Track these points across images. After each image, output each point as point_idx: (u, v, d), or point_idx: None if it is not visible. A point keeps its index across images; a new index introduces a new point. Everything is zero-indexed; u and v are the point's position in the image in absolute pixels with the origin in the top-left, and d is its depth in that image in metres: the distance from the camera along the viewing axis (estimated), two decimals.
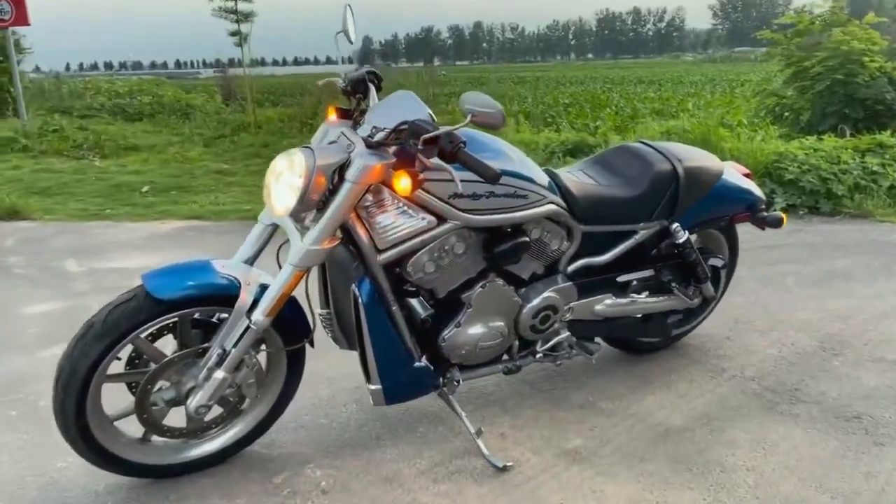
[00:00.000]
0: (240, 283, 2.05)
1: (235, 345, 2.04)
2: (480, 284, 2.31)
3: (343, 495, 2.14)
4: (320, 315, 2.40)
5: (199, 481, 2.19)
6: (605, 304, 2.62)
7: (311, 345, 2.26)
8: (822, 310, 3.49)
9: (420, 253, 2.15)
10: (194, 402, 2.04)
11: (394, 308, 2.20)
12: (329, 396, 2.71)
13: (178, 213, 6.21)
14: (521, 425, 2.52)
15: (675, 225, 2.62)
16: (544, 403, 2.66)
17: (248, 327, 2.03)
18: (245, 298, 2.03)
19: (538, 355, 2.54)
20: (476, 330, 2.34)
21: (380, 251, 2.09)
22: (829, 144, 6.17)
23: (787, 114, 9.00)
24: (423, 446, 2.39)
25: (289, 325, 2.17)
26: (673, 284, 2.71)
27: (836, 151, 5.95)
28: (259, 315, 2.03)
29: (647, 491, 2.15)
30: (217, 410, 2.22)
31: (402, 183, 1.96)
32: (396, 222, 2.08)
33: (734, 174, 2.85)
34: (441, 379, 2.37)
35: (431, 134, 1.90)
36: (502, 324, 2.39)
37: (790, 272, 4.05)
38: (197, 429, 2.20)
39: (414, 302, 2.25)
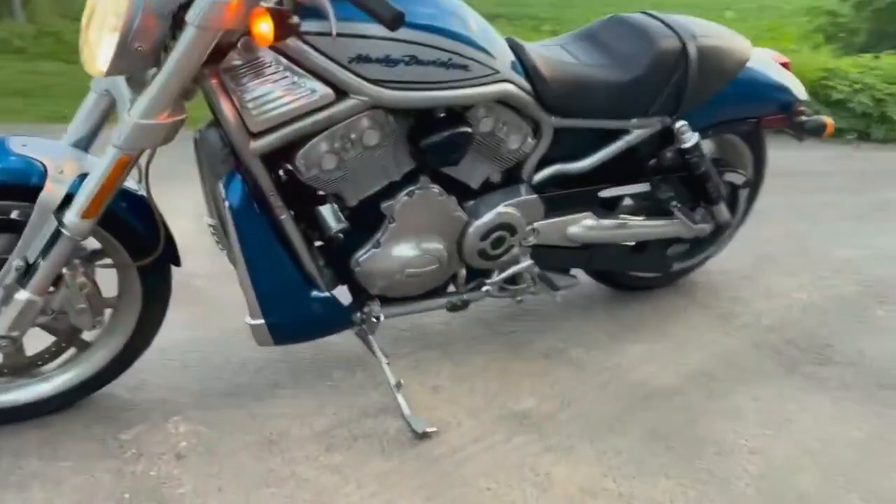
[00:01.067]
0: (46, 171, 1.47)
1: (42, 255, 1.48)
2: (406, 191, 1.71)
3: (201, 461, 1.61)
4: (210, 226, 1.82)
5: (22, 434, 1.66)
6: (583, 226, 2.00)
7: (175, 262, 1.70)
8: (868, 247, 2.83)
9: (314, 141, 1.55)
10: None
11: (283, 217, 1.62)
12: (234, 330, 2.14)
13: None
14: (463, 376, 1.95)
15: (681, 123, 1.97)
16: (500, 350, 2.08)
17: (57, 231, 1.46)
18: (51, 191, 1.46)
19: (487, 288, 1.95)
20: (401, 252, 1.76)
21: (253, 135, 1.50)
22: (890, 62, 5.34)
23: (840, 34, 8.09)
24: (330, 399, 1.84)
25: (140, 232, 1.60)
26: (675, 204, 2.07)
27: None
28: (73, 216, 1.45)
29: (607, 477, 1.58)
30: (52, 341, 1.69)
31: (262, 27, 1.34)
32: (274, 94, 1.48)
33: (766, 62, 2.17)
34: (358, 314, 1.81)
35: None
36: (439, 246, 1.80)
37: (832, 202, 3.37)
38: (20, 364, 1.67)
39: (323, 210, 1.68)
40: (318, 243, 1.74)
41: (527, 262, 1.95)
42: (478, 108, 1.70)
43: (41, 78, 7.74)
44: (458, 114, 1.67)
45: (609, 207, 2.07)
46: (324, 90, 1.50)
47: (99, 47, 1.37)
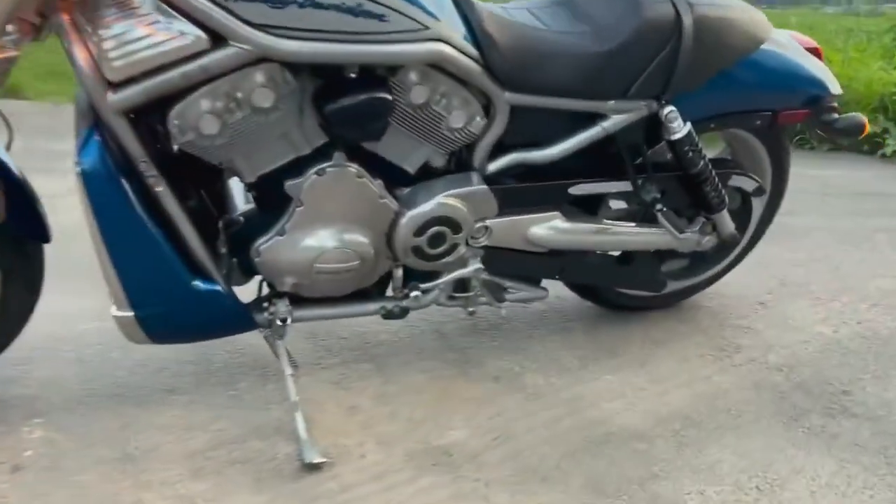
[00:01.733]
0: None
1: None
2: (315, 169, 1.41)
3: (37, 477, 1.35)
4: None
5: None
6: (549, 227, 1.66)
7: (43, 238, 1.44)
8: None
9: (189, 98, 1.27)
10: None
11: (159, 189, 1.34)
12: None
13: None
14: (389, 397, 1.64)
15: (669, 109, 1.61)
16: (445, 368, 1.76)
17: None
18: None
19: (428, 294, 1.64)
20: (310, 243, 1.47)
21: (112, 86, 1.23)
22: None
23: None
24: (225, 412, 1.56)
25: None
26: (659, 208, 1.71)
27: None
28: None
29: None
30: None
31: None
32: (134, 34, 1.21)
33: (789, 45, 1.78)
34: (264, 314, 1.52)
35: None
36: (361, 238, 1.50)
37: (886, 228, 2.91)
38: None
39: (230, 185, 1.41)
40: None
41: (474, 267, 1.63)
42: (407, 71, 1.40)
43: None
44: (375, 76, 1.37)
45: (588, 208, 1.73)
46: (196, 34, 1.23)
47: None
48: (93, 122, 1.30)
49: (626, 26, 1.54)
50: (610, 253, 1.88)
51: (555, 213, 1.66)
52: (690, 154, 1.65)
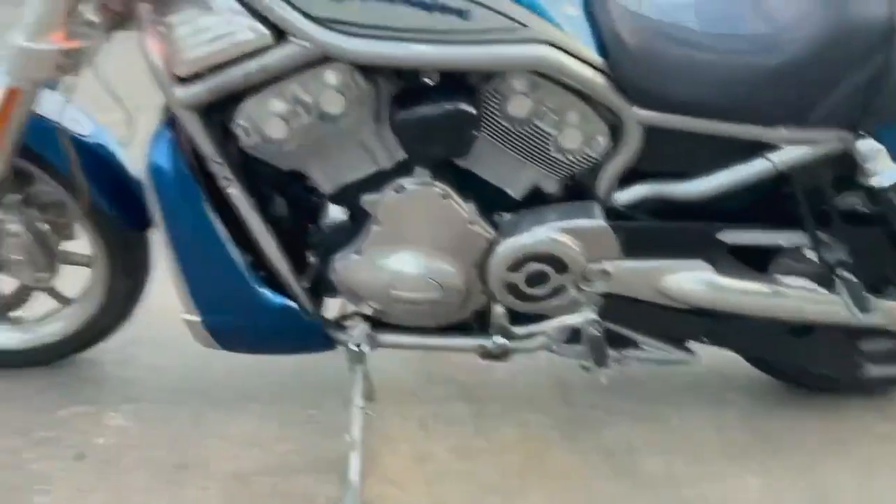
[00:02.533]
0: None
1: None
2: (394, 185, 1.24)
3: (93, 470, 1.35)
4: None
5: None
6: (690, 280, 1.32)
7: (139, 225, 1.44)
8: None
9: (254, 98, 1.17)
10: None
11: (231, 191, 1.26)
12: None
13: None
14: (471, 451, 1.43)
15: (870, 145, 1.18)
16: (552, 427, 1.50)
17: None
18: None
19: (537, 338, 1.40)
20: (386, 266, 1.30)
21: (180, 80, 1.17)
22: None
23: None
24: (291, 434, 1.46)
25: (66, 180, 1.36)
26: (842, 273, 1.28)
27: None
28: None
29: None
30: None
31: None
32: (199, 28, 1.12)
33: None
34: (343, 335, 1.39)
35: None
36: (447, 267, 1.30)
37: None
38: None
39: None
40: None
41: (584, 317, 1.35)
42: (505, 78, 1.17)
43: None
44: (462, 82, 1.16)
45: (747, 256, 1.36)
46: (258, 29, 1.11)
47: None
48: (167, 119, 1.25)
49: (813, 28, 1.16)
50: None
51: (699, 262, 1.32)
52: None
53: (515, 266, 1.28)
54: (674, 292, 1.33)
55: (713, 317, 1.38)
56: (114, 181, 1.39)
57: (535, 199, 1.31)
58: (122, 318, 1.56)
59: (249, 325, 1.36)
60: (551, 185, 1.30)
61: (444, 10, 1.08)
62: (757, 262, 1.35)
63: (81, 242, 1.48)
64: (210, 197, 1.26)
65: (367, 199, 1.27)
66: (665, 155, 1.27)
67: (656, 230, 1.31)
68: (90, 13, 1.17)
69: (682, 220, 1.30)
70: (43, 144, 1.31)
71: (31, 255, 1.40)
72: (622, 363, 1.45)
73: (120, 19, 1.20)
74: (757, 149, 1.24)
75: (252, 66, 1.13)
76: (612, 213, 1.29)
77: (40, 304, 1.57)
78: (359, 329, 1.37)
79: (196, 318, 1.34)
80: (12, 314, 1.58)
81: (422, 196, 1.24)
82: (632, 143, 1.24)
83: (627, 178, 1.29)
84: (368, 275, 1.31)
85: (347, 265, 1.31)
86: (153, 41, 1.17)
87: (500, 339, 1.38)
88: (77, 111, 1.37)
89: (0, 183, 1.32)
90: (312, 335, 1.39)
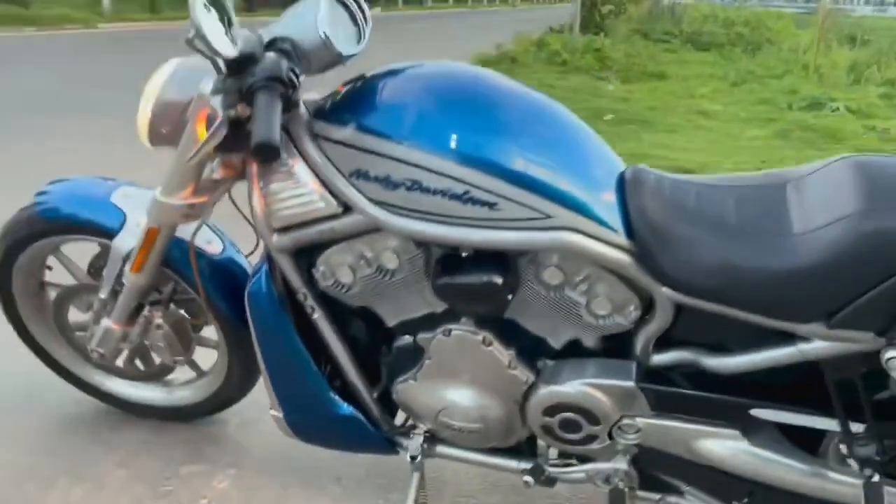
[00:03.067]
0: (125, 222, 1.63)
1: (113, 294, 1.66)
2: (442, 329, 1.42)
3: None
4: None
5: (124, 431, 1.92)
6: (722, 446, 1.37)
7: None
8: None
9: (329, 251, 1.40)
10: (91, 342, 1.75)
11: (315, 316, 1.50)
12: None
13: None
14: None
15: (893, 354, 1.17)
16: None
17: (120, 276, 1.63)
18: (122, 241, 1.61)
19: (576, 472, 1.50)
20: (437, 394, 1.48)
21: (275, 230, 1.43)
22: None
23: None
24: None
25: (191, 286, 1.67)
26: (869, 475, 1.25)
27: None
28: (127, 268, 1.60)
29: None
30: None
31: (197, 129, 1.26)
32: (287, 194, 1.37)
33: None
34: (403, 442, 1.59)
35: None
36: (488, 402, 1.45)
37: None
38: (146, 372, 1.92)
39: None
40: None
41: (615, 465, 1.43)
42: (538, 252, 1.30)
43: (551, 92, 8.40)
44: (491, 255, 1.30)
45: (767, 431, 1.37)
46: (328, 201, 1.33)
47: (141, 123, 1.46)
48: (265, 255, 1.51)
49: (849, 233, 1.16)
50: None
51: (733, 431, 1.36)
52: None
53: (551, 411, 1.40)
54: (707, 455, 1.37)
55: (756, 482, 1.40)
56: (234, 288, 1.67)
57: (578, 349, 1.42)
58: (242, 393, 1.86)
59: (323, 426, 1.59)
60: (590, 341, 1.40)
61: (475, 202, 1.24)
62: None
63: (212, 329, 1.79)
64: (297, 319, 1.50)
65: (422, 337, 1.45)
66: (697, 328, 1.32)
67: (687, 397, 1.36)
68: (214, 174, 1.45)
69: (718, 389, 1.34)
70: (178, 260, 1.63)
71: (170, 343, 1.73)
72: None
73: (235, 177, 1.47)
74: (787, 335, 1.26)
75: (325, 227, 1.35)
76: (649, 372, 1.37)
77: (184, 371, 1.91)
78: (415, 441, 1.56)
79: (279, 415, 1.59)
80: (165, 378, 1.94)
81: (466, 341, 1.40)
82: (663, 315, 1.31)
83: (666, 342, 1.36)
84: (421, 400, 1.49)
85: (406, 388, 1.50)
86: (257, 196, 1.43)
87: (544, 468, 1.50)
88: (211, 232, 1.69)
89: (146, 289, 1.66)
90: (376, 440, 1.59)
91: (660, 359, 1.37)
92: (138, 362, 1.86)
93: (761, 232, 1.24)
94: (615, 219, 1.27)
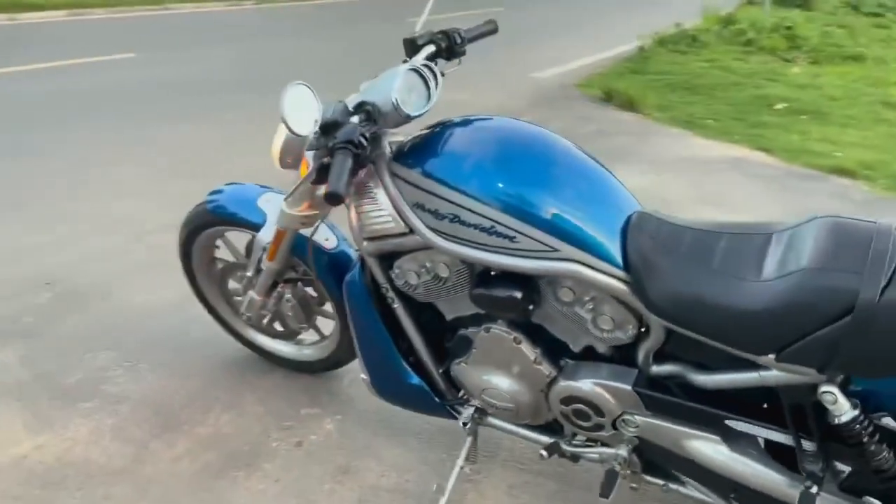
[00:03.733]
0: (265, 221, 2.13)
1: (256, 273, 2.19)
2: (484, 326, 1.79)
3: (289, 458, 2.15)
4: None
5: (273, 377, 2.48)
6: (704, 448, 1.64)
7: None
8: None
9: (402, 259, 1.81)
10: (241, 307, 2.31)
11: (395, 306, 1.92)
12: None
13: (769, 146, 5.51)
14: None
15: (828, 389, 1.39)
16: None
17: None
18: (264, 236, 2.12)
19: (591, 452, 1.83)
20: (480, 378, 1.86)
21: (364, 238, 1.86)
22: None
23: None
24: (416, 468, 2.10)
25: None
26: (810, 488, 1.48)
27: None
28: (264, 257, 2.11)
29: None
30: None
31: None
32: (370, 212, 1.79)
33: None
34: (457, 411, 1.99)
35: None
36: (518, 388, 1.81)
37: None
38: (284, 332, 2.45)
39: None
40: None
41: (616, 450, 1.75)
42: (540, 276, 1.64)
43: (720, 75, 8.18)
44: (516, 275, 1.65)
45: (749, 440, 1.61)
46: (398, 222, 1.74)
47: (274, 151, 1.92)
48: (359, 256, 1.94)
49: (796, 285, 1.39)
50: None
51: (714, 437, 1.63)
52: (860, 445, 1.40)
53: (567, 402, 1.74)
54: (695, 454, 1.65)
55: (720, 478, 1.66)
56: (343, 275, 2.13)
57: (594, 354, 1.74)
58: (352, 356, 2.33)
59: (398, 391, 2.02)
60: (601, 349, 1.72)
61: (497, 234, 1.59)
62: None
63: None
64: (381, 306, 1.94)
65: (470, 331, 1.83)
66: (685, 348, 1.60)
67: (674, 404, 1.64)
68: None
69: (706, 400, 1.61)
70: (303, 251, 2.11)
71: (295, 313, 2.25)
72: (665, 492, 1.80)
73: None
74: (753, 364, 1.50)
75: (397, 241, 1.76)
76: (650, 379, 1.66)
77: (312, 335, 2.43)
78: (467, 411, 1.95)
79: (367, 378, 2.04)
80: (297, 338, 2.48)
81: (501, 338, 1.76)
82: (656, 335, 1.60)
83: (662, 356, 1.65)
84: (470, 380, 1.88)
85: (460, 369, 1.89)
86: (353, 212, 1.86)
87: (560, 446, 1.84)
88: (330, 231, 2.16)
89: (280, 272, 2.17)
90: (438, 407, 2.00)
91: (657, 369, 1.66)
92: (277, 325, 2.39)
93: (734, 275, 1.48)
94: (615, 254, 1.57)
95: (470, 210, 1.60)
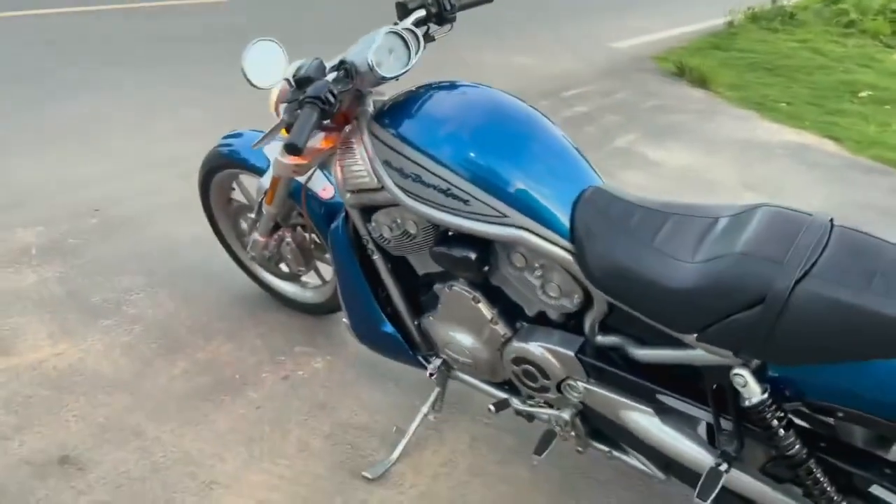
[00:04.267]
0: (268, 166, 2.26)
1: (258, 214, 2.34)
2: (447, 284, 1.89)
3: (285, 392, 2.32)
4: None
5: (274, 314, 2.65)
6: (638, 419, 1.70)
7: None
8: None
9: (378, 213, 1.92)
10: (247, 247, 2.47)
11: (375, 257, 2.04)
12: None
13: (840, 135, 5.32)
14: (486, 474, 2.02)
15: (740, 371, 1.43)
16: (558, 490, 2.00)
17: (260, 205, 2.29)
18: (265, 181, 2.26)
19: (523, 408, 1.92)
20: (444, 332, 1.97)
21: (346, 190, 1.97)
22: None
23: None
24: (388, 404, 2.23)
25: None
26: (722, 466, 1.52)
27: None
28: (263, 201, 2.25)
29: None
30: None
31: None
32: (351, 166, 1.90)
33: None
34: (424, 360, 2.10)
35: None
36: (475, 345, 1.91)
37: None
38: (286, 273, 2.61)
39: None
40: None
41: (559, 413, 1.83)
42: (493, 240, 1.71)
43: (808, 59, 7.80)
44: (472, 237, 1.72)
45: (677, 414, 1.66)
46: (372, 178, 1.83)
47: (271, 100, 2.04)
48: (344, 208, 2.05)
49: (721, 269, 1.42)
50: None
51: (648, 410, 1.68)
52: (768, 430, 1.43)
53: (517, 362, 1.82)
54: (632, 425, 1.72)
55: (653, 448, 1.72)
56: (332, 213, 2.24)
57: (547, 319, 1.81)
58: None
59: (374, 337, 2.14)
60: (553, 315, 1.78)
61: (454, 197, 1.66)
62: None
63: None
64: (363, 257, 2.05)
65: (436, 287, 1.93)
66: (625, 321, 1.65)
67: (612, 374, 1.70)
68: (317, 143, 2.02)
69: (643, 373, 1.67)
70: (296, 196, 2.24)
71: (294, 256, 2.39)
72: (610, 459, 1.87)
73: (333, 148, 2.02)
74: (681, 342, 1.55)
75: (371, 196, 1.86)
76: (596, 348, 1.73)
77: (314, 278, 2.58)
78: (434, 363, 2.05)
79: (347, 322, 2.17)
80: (301, 279, 2.63)
81: (462, 296, 1.85)
82: (599, 307, 1.66)
83: (606, 327, 1.70)
84: (437, 334, 1.98)
85: (428, 323, 2.00)
86: (337, 163, 1.97)
87: (508, 402, 1.94)
88: (327, 181, 2.28)
89: (280, 216, 2.31)
90: (410, 357, 2.11)
91: (601, 340, 1.71)
92: (282, 266, 2.54)
93: (669, 254, 1.51)
94: (563, 225, 1.62)
95: (430, 171, 1.68)
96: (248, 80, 1.63)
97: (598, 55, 7.29)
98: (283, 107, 1.76)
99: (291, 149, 1.56)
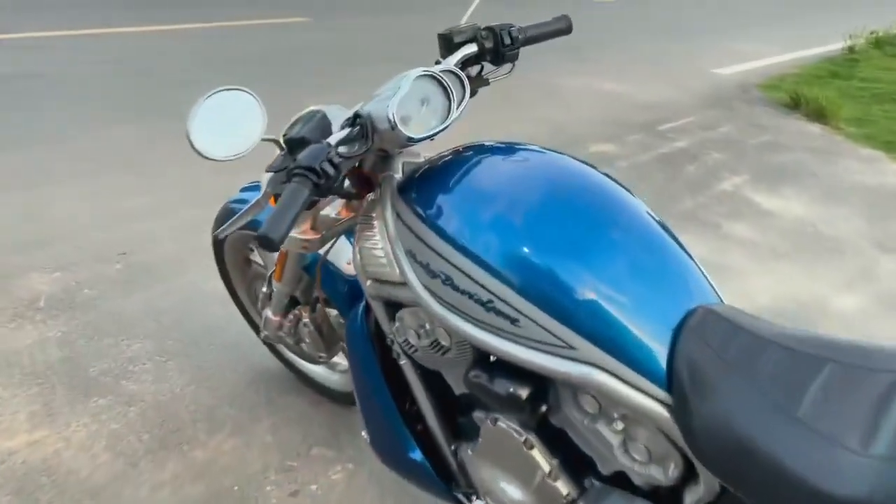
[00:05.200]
0: None
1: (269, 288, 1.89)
2: (492, 416, 1.38)
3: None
4: None
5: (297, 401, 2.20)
6: None
7: None
8: None
9: (403, 310, 1.43)
10: (260, 324, 2.02)
11: (402, 362, 1.56)
12: None
13: None
14: None
15: None
16: None
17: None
18: (276, 253, 1.81)
19: None
20: (484, 475, 1.46)
21: (368, 277, 1.50)
22: None
23: None
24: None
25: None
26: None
27: None
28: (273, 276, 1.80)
29: None
30: None
31: None
32: (372, 249, 1.42)
33: None
34: (467, 499, 1.61)
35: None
36: (521, 498, 1.40)
37: None
38: (308, 354, 2.15)
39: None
40: None
41: None
42: (555, 379, 1.20)
43: (872, 88, 6.82)
44: (521, 370, 1.21)
45: None
46: (393, 269, 1.35)
47: None
48: (366, 299, 1.58)
49: None
50: None
51: None
52: None
53: None
54: None
55: None
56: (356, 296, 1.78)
57: (629, 482, 1.28)
58: None
59: (398, 460, 1.65)
60: (638, 480, 1.25)
61: (498, 313, 1.16)
62: None
63: None
64: (387, 359, 1.57)
65: (477, 416, 1.42)
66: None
67: None
68: (334, 212, 1.55)
69: None
70: (311, 271, 1.78)
71: (314, 340, 1.92)
72: None
73: (354, 220, 1.55)
74: None
75: (393, 290, 1.38)
76: None
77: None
78: (471, 501, 1.55)
79: (366, 437, 1.69)
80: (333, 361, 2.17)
81: (509, 436, 1.34)
82: (707, 486, 1.12)
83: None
84: (476, 474, 1.48)
85: (465, 456, 1.50)
86: (357, 243, 1.50)
87: None
88: (348, 248, 1.80)
89: (291, 295, 1.85)
90: (444, 492, 1.61)
91: None
92: (303, 345, 2.09)
93: (826, 435, 0.95)
94: (657, 364, 1.09)
95: (464, 273, 1.18)
96: (194, 148, 1.18)
97: (699, 82, 6.62)
98: (265, 177, 1.30)
99: (265, 243, 1.08)
